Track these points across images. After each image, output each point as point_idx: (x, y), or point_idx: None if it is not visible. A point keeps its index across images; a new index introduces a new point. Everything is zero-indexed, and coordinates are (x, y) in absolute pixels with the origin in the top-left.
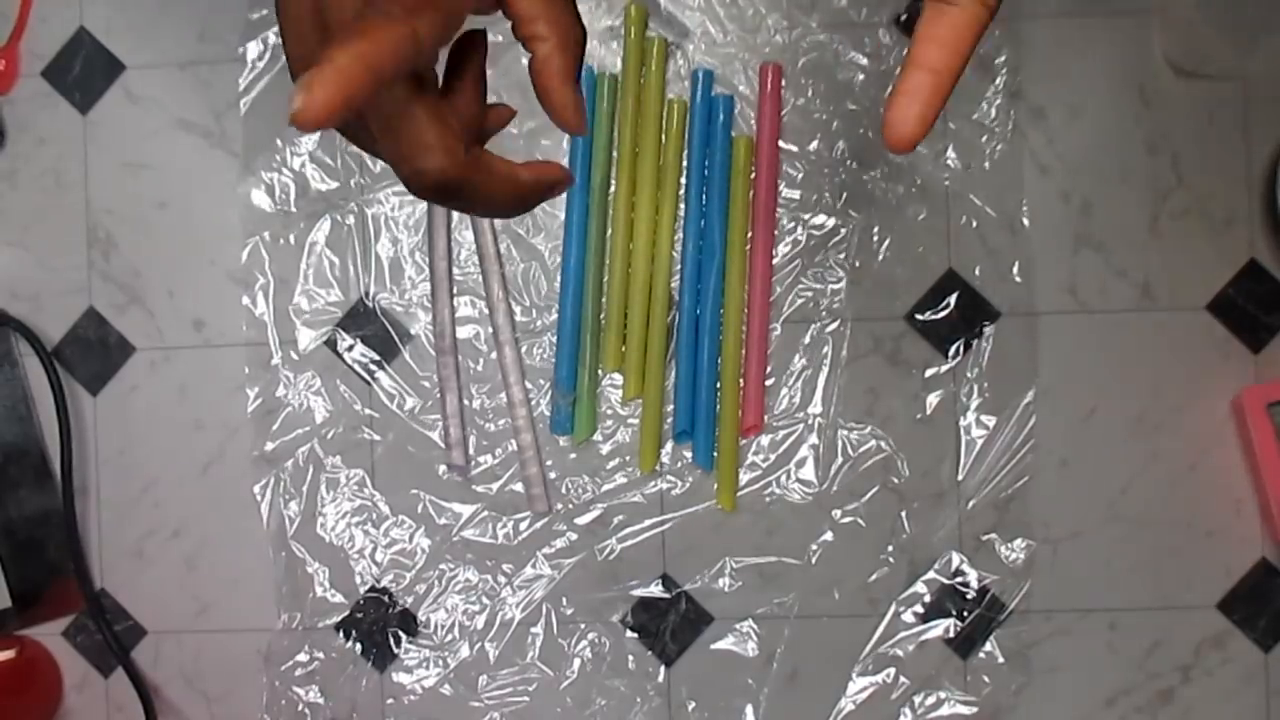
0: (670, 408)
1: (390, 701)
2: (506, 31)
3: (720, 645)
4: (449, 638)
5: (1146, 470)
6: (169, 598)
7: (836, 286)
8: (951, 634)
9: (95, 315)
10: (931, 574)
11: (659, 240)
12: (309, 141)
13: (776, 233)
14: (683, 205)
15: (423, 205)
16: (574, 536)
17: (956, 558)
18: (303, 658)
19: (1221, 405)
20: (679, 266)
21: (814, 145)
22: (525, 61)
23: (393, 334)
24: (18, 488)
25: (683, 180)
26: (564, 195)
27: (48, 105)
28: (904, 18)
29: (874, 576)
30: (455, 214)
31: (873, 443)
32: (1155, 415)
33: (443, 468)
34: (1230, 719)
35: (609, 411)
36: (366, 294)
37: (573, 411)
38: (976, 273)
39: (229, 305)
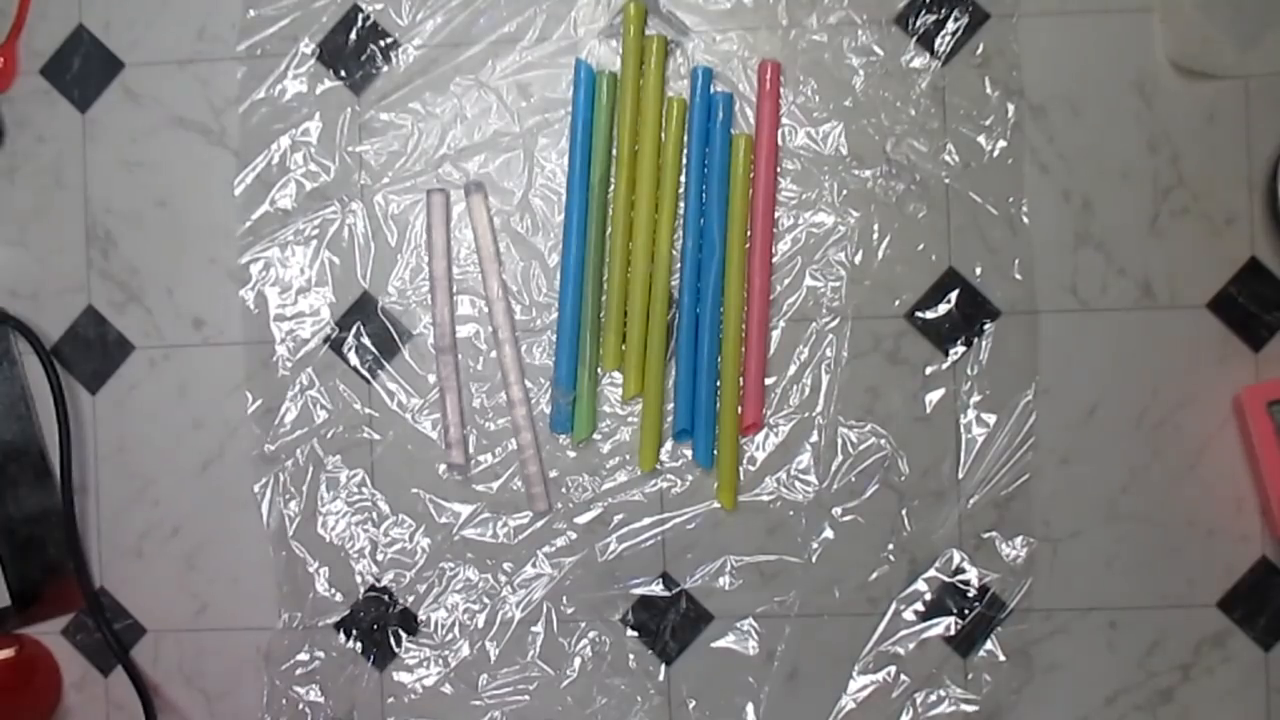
0: (670, 406)
1: (390, 700)
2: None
3: (721, 644)
4: (449, 637)
5: (1147, 468)
6: (168, 596)
7: (836, 284)
8: (952, 632)
9: (94, 313)
10: (932, 572)
11: (658, 238)
12: (309, 140)
13: (776, 230)
14: (682, 203)
15: (423, 204)
16: (574, 535)
17: (957, 556)
18: (303, 657)
19: (1222, 403)
20: (678, 265)
21: (813, 143)
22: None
23: (393, 333)
24: (17, 486)
25: (682, 178)
26: (564, 194)
27: (46, 103)
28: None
29: (874, 575)
30: (455, 213)
31: (873, 441)
32: (1156, 413)
33: (442, 467)
34: (1230, 717)
35: (609, 410)
36: (366, 293)
37: (572, 410)
38: (977, 271)
39: (228, 303)
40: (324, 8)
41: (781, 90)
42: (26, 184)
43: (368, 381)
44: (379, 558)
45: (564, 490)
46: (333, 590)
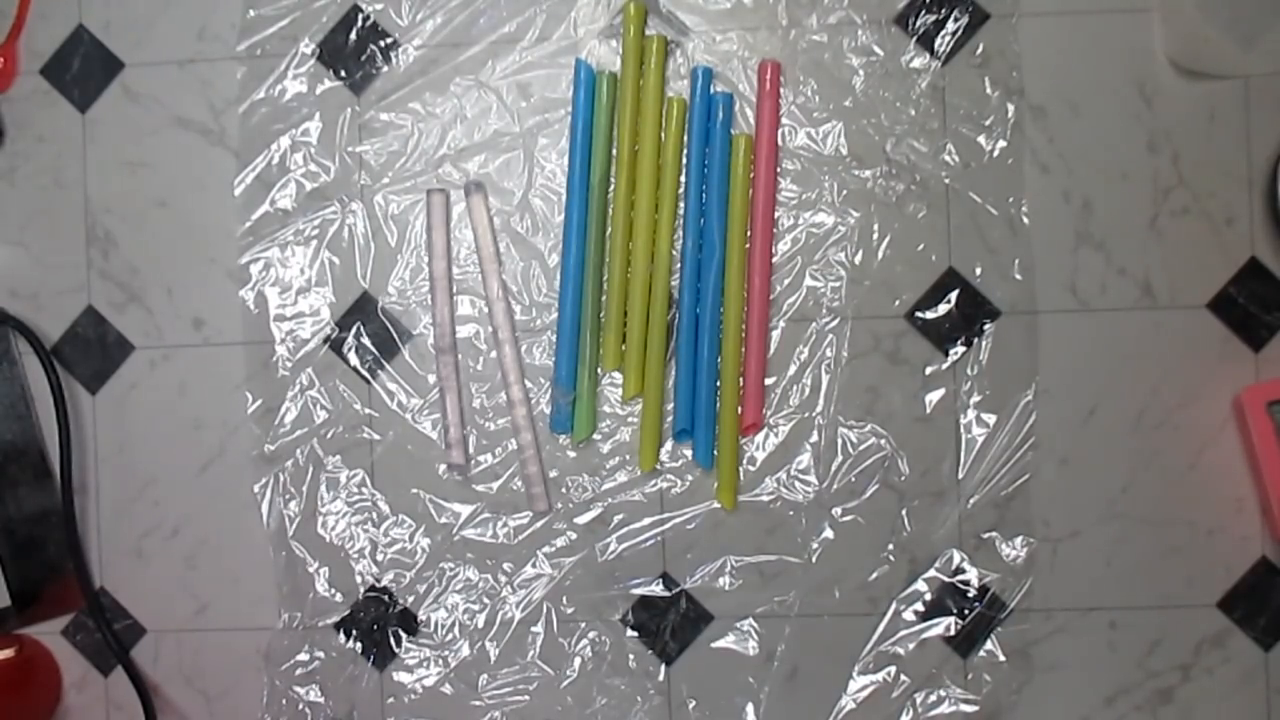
0: (670, 406)
1: (390, 700)
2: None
3: (721, 644)
4: (449, 637)
5: (1147, 469)
6: (168, 596)
7: (836, 284)
8: (952, 632)
9: (94, 314)
10: (932, 572)
11: (658, 239)
12: (309, 140)
13: (776, 231)
14: (682, 203)
15: (423, 204)
16: (574, 535)
17: (957, 556)
18: (303, 657)
19: (1222, 404)
20: (678, 265)
21: (813, 143)
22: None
23: (393, 333)
24: (17, 486)
25: (682, 178)
26: (564, 194)
27: (47, 103)
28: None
29: (874, 575)
30: (455, 213)
31: (873, 441)
32: (1155, 414)
33: (442, 467)
34: (1230, 717)
35: (609, 410)
36: (366, 293)
37: (572, 410)
38: (977, 271)
39: (228, 304)
40: (324, 8)
41: (781, 90)
42: (26, 184)
43: (368, 382)
44: (379, 558)
45: (564, 490)
46: (333, 590)
